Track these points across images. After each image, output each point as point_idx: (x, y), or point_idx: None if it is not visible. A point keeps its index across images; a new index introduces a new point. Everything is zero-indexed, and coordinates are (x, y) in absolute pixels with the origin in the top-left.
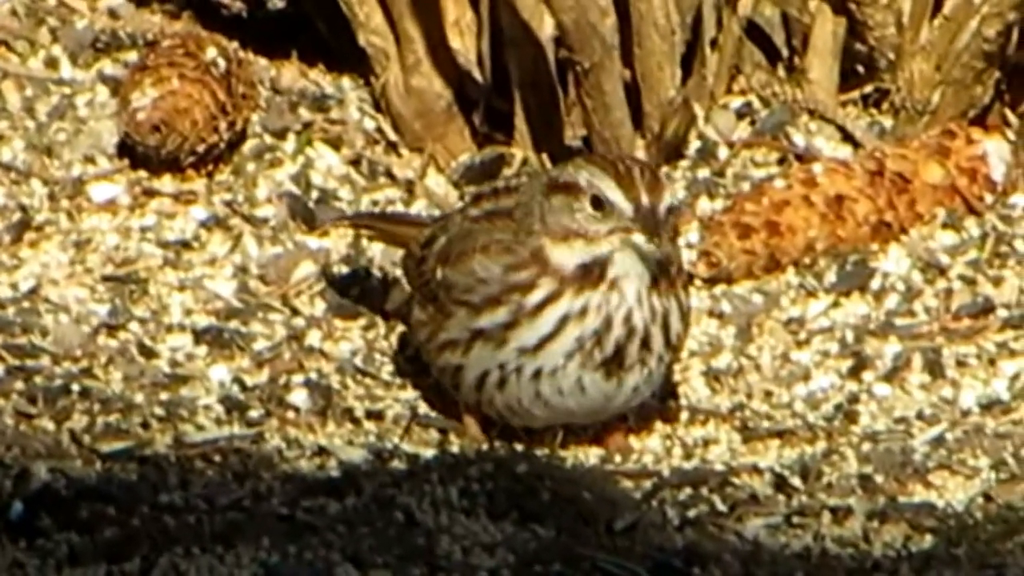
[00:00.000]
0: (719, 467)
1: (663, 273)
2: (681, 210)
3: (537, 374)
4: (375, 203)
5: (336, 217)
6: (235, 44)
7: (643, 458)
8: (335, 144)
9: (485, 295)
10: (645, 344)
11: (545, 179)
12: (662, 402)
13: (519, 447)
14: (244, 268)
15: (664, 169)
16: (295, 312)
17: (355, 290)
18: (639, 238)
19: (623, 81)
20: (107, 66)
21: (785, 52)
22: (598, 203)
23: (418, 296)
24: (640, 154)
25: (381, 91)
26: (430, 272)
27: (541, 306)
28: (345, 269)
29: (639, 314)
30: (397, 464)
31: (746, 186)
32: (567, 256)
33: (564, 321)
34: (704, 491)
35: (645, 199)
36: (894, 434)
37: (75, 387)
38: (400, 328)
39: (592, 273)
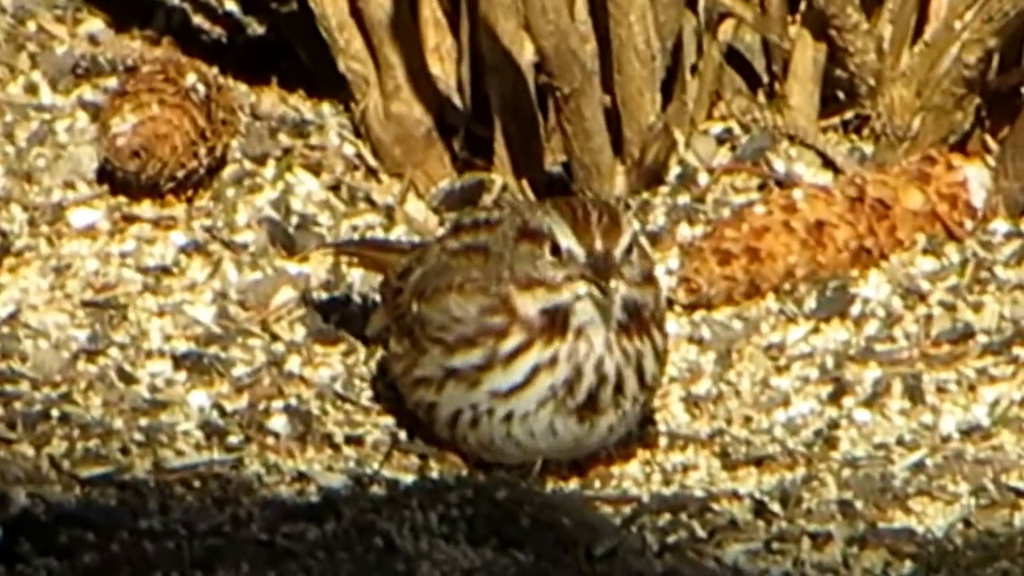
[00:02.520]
0: (699, 493)
1: (633, 318)
2: (649, 258)
3: (509, 416)
4: (355, 229)
5: (320, 244)
6: (215, 70)
7: (622, 484)
8: (315, 170)
9: (459, 335)
10: (619, 389)
11: (517, 223)
12: (641, 428)
13: (499, 474)
14: (224, 294)
15: (644, 195)
16: (275, 338)
17: (335, 316)
18: (582, 288)
19: (603, 107)
20: (87, 92)
21: (765, 78)
22: (556, 250)
23: (394, 327)
24: (620, 180)
25: (361, 117)
26: (406, 305)
27: (514, 355)
28: (325, 295)
29: (610, 361)
30: (377, 490)
31: (726, 212)
32: (531, 305)
33: (535, 371)
34: (684, 517)
35: (598, 244)
36: (874, 460)
37: (55, 412)
38: (380, 353)
39: (556, 322)
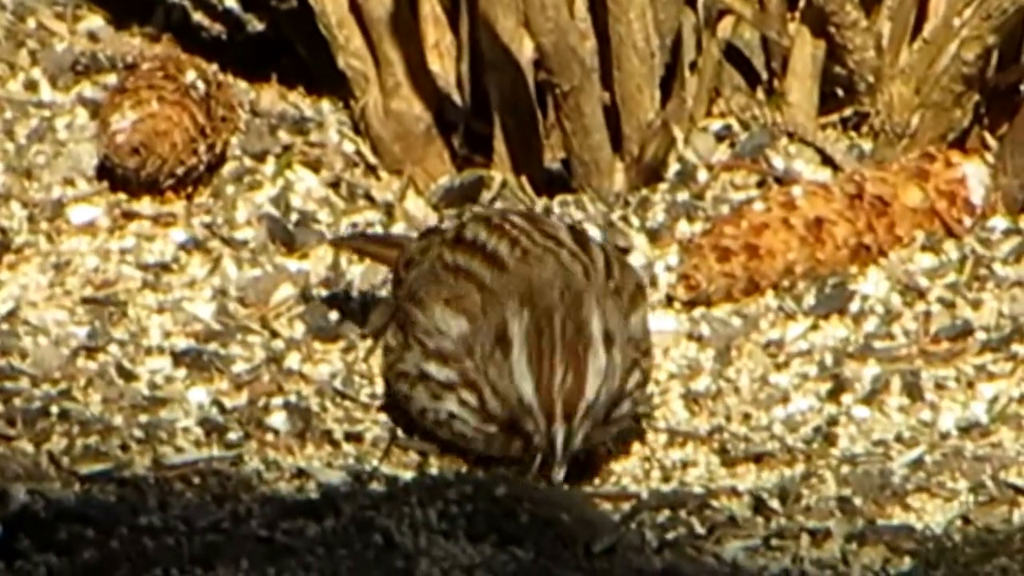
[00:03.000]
0: (698, 489)
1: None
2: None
3: (464, 435)
4: (354, 226)
5: (334, 238)
6: (215, 67)
7: (622, 480)
8: (314, 167)
9: (438, 347)
10: (545, 476)
11: (495, 322)
12: (640, 424)
13: (498, 470)
14: (223, 290)
15: (643, 192)
16: (274, 334)
17: (334, 312)
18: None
19: (602, 104)
20: (87, 89)
21: (765, 75)
22: (519, 395)
23: (395, 317)
24: (619, 177)
25: (360, 114)
26: (402, 299)
27: (471, 409)
28: (324, 291)
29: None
30: (376, 486)
31: (725, 209)
32: (499, 409)
33: (482, 429)
34: (683, 513)
35: (558, 410)
36: (873, 457)
37: (54, 409)
38: (379, 350)
39: (515, 430)
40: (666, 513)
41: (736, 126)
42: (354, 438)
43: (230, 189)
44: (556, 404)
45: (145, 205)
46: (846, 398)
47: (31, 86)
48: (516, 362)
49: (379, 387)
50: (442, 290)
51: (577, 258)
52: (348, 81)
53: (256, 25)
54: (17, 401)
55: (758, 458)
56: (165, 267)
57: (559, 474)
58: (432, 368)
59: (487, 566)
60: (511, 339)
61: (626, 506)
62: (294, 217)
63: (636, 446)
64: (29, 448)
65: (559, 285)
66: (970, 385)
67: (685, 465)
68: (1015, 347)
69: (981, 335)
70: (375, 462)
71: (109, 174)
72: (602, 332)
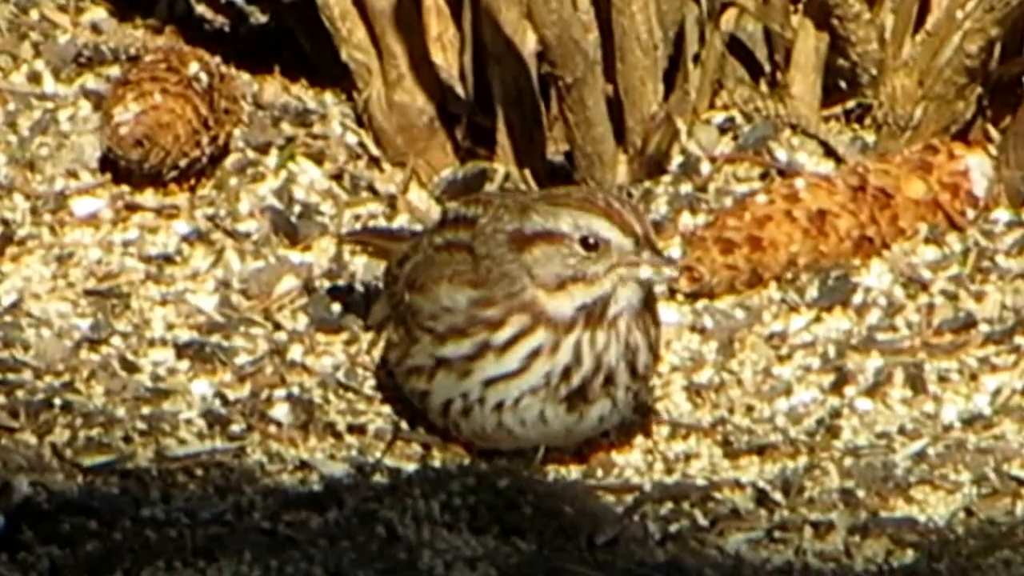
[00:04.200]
0: (700, 482)
1: (646, 305)
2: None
3: (500, 405)
4: (357, 218)
5: (342, 233)
6: (218, 59)
7: (625, 473)
8: (317, 159)
9: (450, 325)
10: (609, 379)
11: (505, 235)
12: (643, 416)
13: (501, 462)
14: (226, 282)
15: (646, 184)
16: (277, 326)
17: (337, 305)
18: (647, 271)
19: (605, 96)
20: (90, 81)
21: (768, 67)
22: (589, 244)
23: (393, 315)
24: (622, 169)
25: (363, 106)
26: (399, 294)
27: (511, 342)
28: (327, 284)
29: (614, 350)
30: (379, 478)
31: (728, 201)
32: (566, 303)
33: (534, 357)
34: (685, 506)
35: (640, 229)
36: (876, 449)
37: (57, 401)
38: (382, 343)
39: (593, 315)
40: (669, 505)
41: (739, 118)
42: (357, 430)
43: (233, 181)
44: (634, 222)
45: (148, 197)
46: (849, 390)
47: (34, 78)
48: (569, 219)
49: (382, 379)
50: (441, 270)
51: None
52: (351, 73)
53: (259, 17)
54: (20, 393)
55: (761, 450)
56: (168, 259)
57: (670, 270)
58: (449, 350)
59: (490, 558)
60: (532, 229)
61: (629, 498)
62: (297, 209)
63: (639, 438)
64: (32, 440)
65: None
66: (973, 377)
67: (688, 457)
68: (1018, 339)
69: (984, 327)
70: (378, 454)
71: (112, 166)
72: None
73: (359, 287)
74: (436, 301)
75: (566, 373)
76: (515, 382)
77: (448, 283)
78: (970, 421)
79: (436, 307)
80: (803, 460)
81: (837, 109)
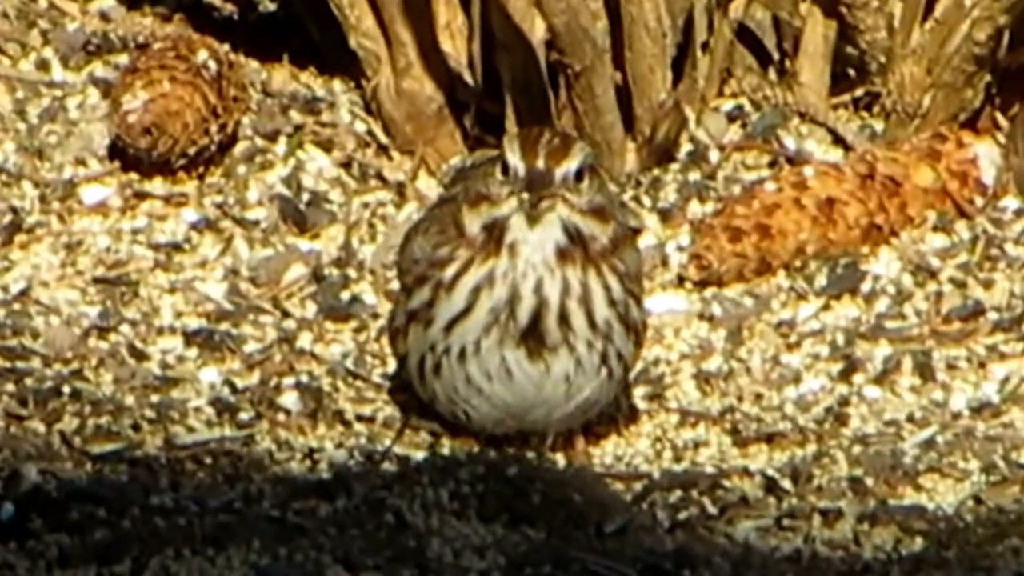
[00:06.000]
0: (709, 470)
1: (576, 245)
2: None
3: (463, 354)
4: (366, 206)
5: None
6: (226, 47)
7: (633, 461)
8: (326, 147)
9: (416, 275)
10: (564, 320)
11: (464, 173)
12: (652, 404)
13: (510, 450)
14: (235, 270)
15: (655, 172)
16: (286, 314)
17: (346, 292)
18: (524, 197)
19: (614, 84)
20: (98, 69)
21: (776, 55)
22: (504, 167)
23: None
24: (631, 157)
25: (372, 94)
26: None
27: (455, 280)
28: (336, 271)
29: (549, 284)
30: (388, 466)
31: (737, 189)
32: (475, 221)
33: (475, 293)
34: (694, 494)
35: (539, 163)
36: (884, 437)
37: (66, 389)
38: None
39: (492, 236)
40: (678, 493)
41: (748, 106)
42: (366, 418)
43: (242, 169)
44: (540, 153)
45: (157, 185)
46: (858, 378)
47: (43, 66)
48: (507, 143)
49: (391, 367)
50: (421, 225)
51: None
52: (360, 61)
53: (267, 5)
54: (29, 381)
55: (770, 438)
56: (177, 247)
57: (554, 208)
58: (415, 301)
59: (498, 546)
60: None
61: (638, 486)
62: (306, 197)
63: (648, 426)
64: (41, 428)
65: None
66: (981, 365)
67: (697, 445)
68: None
69: (992, 315)
70: (387, 442)
71: (121, 154)
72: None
73: (368, 275)
74: (410, 255)
75: (511, 308)
76: (468, 323)
77: (422, 236)
78: (979, 409)
79: (409, 261)
80: (812, 448)
81: (846, 97)
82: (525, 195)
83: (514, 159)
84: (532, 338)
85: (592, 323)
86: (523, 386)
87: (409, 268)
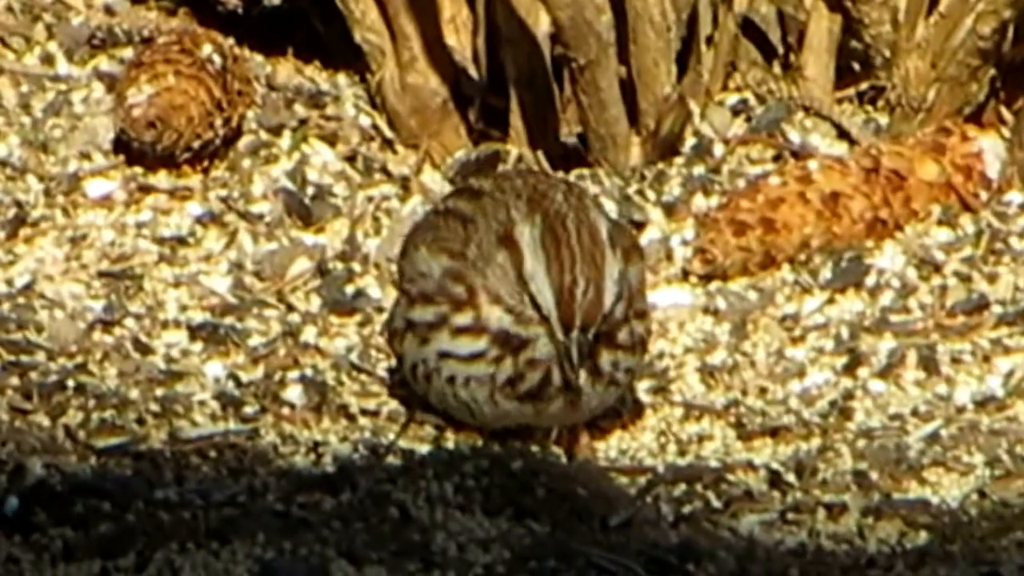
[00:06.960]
0: (714, 463)
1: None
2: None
3: (452, 380)
4: (370, 199)
5: None
6: (231, 41)
7: (638, 454)
8: (331, 140)
9: (421, 289)
10: (567, 387)
11: (502, 221)
12: (656, 398)
13: (514, 444)
14: (239, 264)
15: (659, 166)
16: (290, 308)
17: (351, 286)
18: (565, 367)
19: (619, 78)
20: (103, 62)
21: (781, 49)
22: (534, 301)
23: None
24: (635, 151)
25: (377, 88)
26: (398, 262)
27: (463, 330)
28: (340, 265)
29: (558, 375)
30: (392, 460)
31: (742, 183)
32: (495, 319)
33: (478, 357)
34: (699, 487)
35: (576, 320)
36: (889, 431)
37: (70, 383)
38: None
39: (512, 344)
40: (682, 487)
41: (752, 100)
42: (370, 412)
43: (246, 163)
44: (577, 315)
45: (161, 179)
46: (862, 372)
47: (47, 60)
48: (533, 271)
49: (395, 361)
50: (428, 234)
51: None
52: (364, 55)
53: None
54: (33, 375)
55: (774, 432)
56: (181, 241)
57: (582, 378)
58: (416, 314)
59: (503, 540)
60: (519, 243)
61: (642, 480)
62: (310, 191)
63: (652, 420)
64: (45, 422)
65: (562, 187)
66: (986, 359)
67: (701, 439)
68: None
69: (997, 309)
70: (392, 436)
71: (125, 148)
72: (609, 236)
73: (373, 269)
74: (415, 265)
75: (511, 383)
76: (462, 367)
77: (427, 249)
78: (983, 403)
79: (414, 271)
80: (816, 442)
81: (850, 91)
82: (566, 365)
83: (548, 306)
84: (527, 398)
85: (597, 371)
86: (512, 417)
87: (414, 279)
